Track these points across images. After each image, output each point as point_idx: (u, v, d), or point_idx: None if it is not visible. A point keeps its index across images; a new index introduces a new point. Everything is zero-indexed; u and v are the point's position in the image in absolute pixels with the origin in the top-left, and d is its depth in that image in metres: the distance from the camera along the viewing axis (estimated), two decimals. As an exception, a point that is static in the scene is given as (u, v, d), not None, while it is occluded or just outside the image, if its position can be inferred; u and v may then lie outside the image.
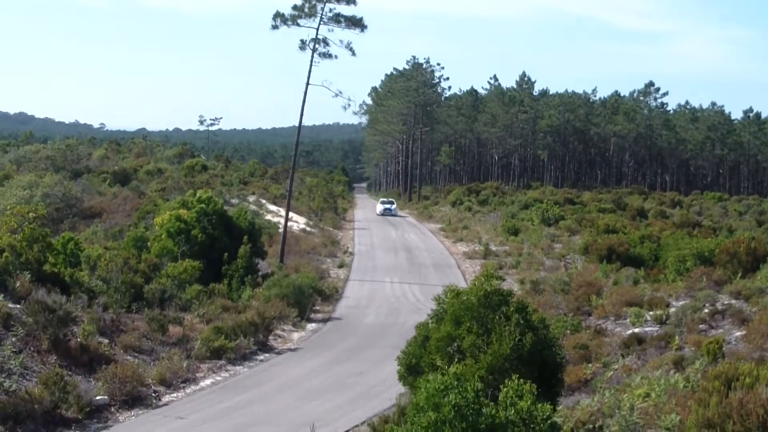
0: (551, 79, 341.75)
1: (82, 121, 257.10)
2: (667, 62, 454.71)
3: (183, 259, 32.01)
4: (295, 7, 45.55)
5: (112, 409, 19.78)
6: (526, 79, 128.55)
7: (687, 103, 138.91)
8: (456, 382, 10.96)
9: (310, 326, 31.21)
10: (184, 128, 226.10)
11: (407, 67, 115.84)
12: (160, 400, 21.02)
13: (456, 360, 14.24)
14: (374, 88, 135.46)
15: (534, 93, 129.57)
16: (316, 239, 54.13)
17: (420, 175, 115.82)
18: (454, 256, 51.24)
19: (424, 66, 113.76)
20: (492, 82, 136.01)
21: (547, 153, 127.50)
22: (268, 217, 58.35)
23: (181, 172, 73.11)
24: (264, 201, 67.29)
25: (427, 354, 15.22)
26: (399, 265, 47.43)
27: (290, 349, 27.58)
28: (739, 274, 27.35)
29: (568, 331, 24.19)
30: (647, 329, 23.38)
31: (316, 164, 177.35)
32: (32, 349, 20.75)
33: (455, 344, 14.73)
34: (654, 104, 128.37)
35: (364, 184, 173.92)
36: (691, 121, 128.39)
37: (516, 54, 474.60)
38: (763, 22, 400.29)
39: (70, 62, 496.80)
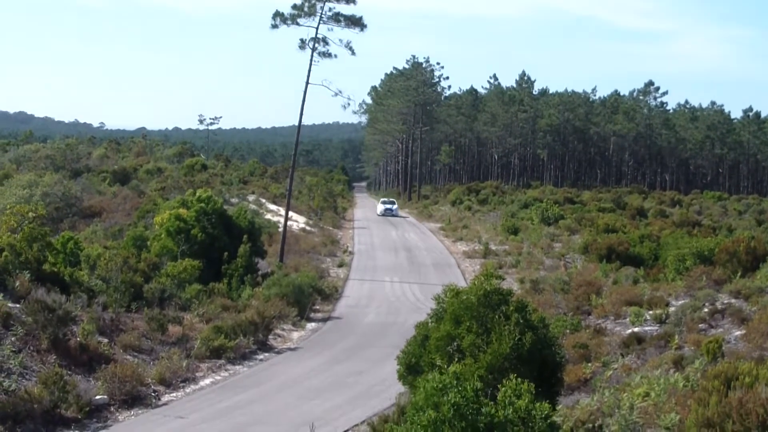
0: (551, 79, 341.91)
1: (81, 121, 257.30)
2: (667, 62, 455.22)
3: (183, 258, 32.01)
4: (294, 7, 45.53)
5: (112, 409, 19.77)
6: (525, 78, 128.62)
7: (687, 102, 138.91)
8: (455, 382, 10.95)
9: (310, 325, 31.21)
10: (183, 127, 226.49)
11: (407, 66, 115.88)
12: (159, 399, 21.02)
13: (456, 359, 14.23)
14: (374, 88, 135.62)
15: (534, 92, 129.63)
16: (316, 238, 54.13)
17: (420, 174, 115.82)
18: (454, 255, 51.24)
19: (424, 65, 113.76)
20: (492, 81, 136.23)
21: (546, 152, 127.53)
22: (268, 216, 58.34)
23: (180, 172, 73.07)
24: (264, 200, 67.28)
25: (426, 353, 15.22)
26: (399, 264, 47.42)
27: (290, 349, 27.58)
28: (739, 274, 27.34)
29: (568, 331, 24.19)
30: (647, 328, 23.38)
31: (315, 163, 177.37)
32: (32, 348, 20.74)
33: (455, 344, 14.73)
34: (654, 103, 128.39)
35: (363, 184, 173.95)
36: (691, 121, 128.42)
37: (516, 53, 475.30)
38: (763, 22, 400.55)
39: (70, 62, 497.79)
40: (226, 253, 33.82)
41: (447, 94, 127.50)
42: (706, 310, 23.53)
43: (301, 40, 46.42)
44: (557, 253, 46.80)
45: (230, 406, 20.41)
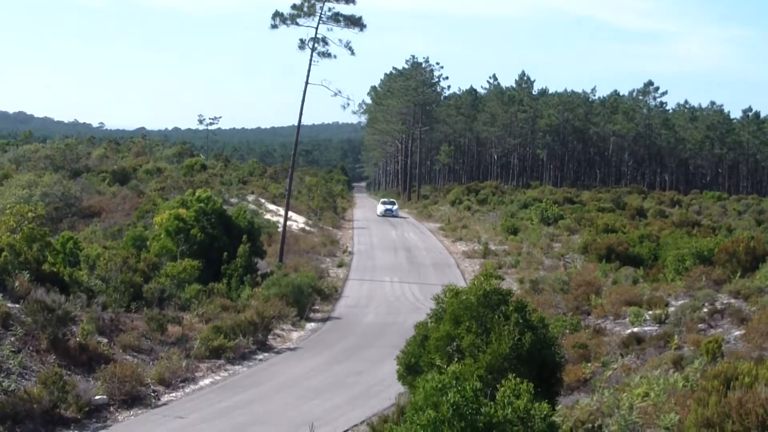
0: (550, 79, 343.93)
1: (81, 121, 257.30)
2: (667, 62, 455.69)
3: (182, 258, 32.00)
4: (294, 7, 45.50)
5: (111, 409, 19.77)
6: (525, 78, 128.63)
7: (686, 102, 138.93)
8: (454, 382, 10.95)
9: (310, 326, 31.20)
10: (183, 127, 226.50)
11: (406, 66, 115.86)
12: (159, 399, 21.01)
13: (455, 359, 14.24)
14: (373, 88, 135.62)
15: (533, 92, 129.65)
16: (316, 238, 54.12)
17: (419, 174, 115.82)
18: (454, 255, 51.24)
19: (424, 65, 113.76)
20: (491, 81, 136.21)
21: (546, 152, 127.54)
22: (268, 216, 58.33)
23: (180, 172, 73.06)
24: (263, 200, 67.29)
25: (426, 353, 15.22)
26: (398, 264, 47.41)
27: (289, 349, 27.58)
28: (738, 274, 27.34)
29: (567, 331, 24.19)
30: (646, 328, 23.38)
31: (315, 163, 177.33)
32: (31, 348, 20.74)
33: (454, 344, 14.73)
34: (653, 103, 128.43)
35: (363, 184, 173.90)
36: (690, 121, 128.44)
37: (515, 53, 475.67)
38: (763, 22, 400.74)
39: (70, 62, 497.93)
40: (225, 253, 33.81)
41: (446, 94, 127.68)
42: (705, 310, 23.53)
43: (301, 40, 46.45)
44: (557, 253, 46.80)
45: (230, 406, 20.41)
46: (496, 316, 14.62)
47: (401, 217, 77.22)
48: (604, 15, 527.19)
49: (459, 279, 40.58)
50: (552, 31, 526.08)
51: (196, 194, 37.16)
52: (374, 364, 24.85)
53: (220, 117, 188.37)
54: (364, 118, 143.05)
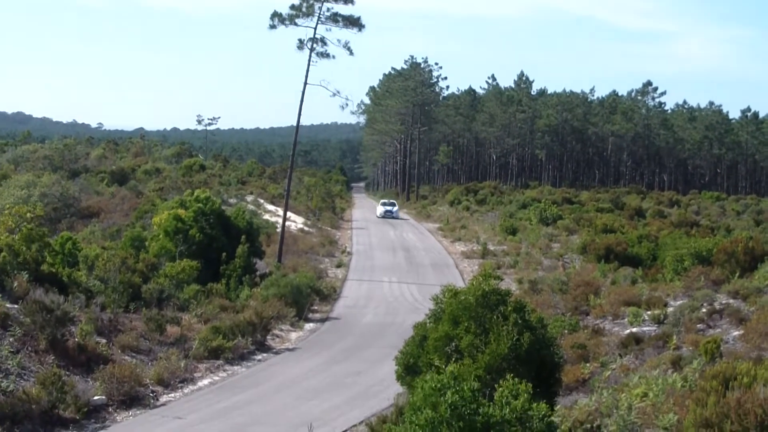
0: (549, 79, 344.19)
1: (80, 121, 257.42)
2: (667, 62, 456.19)
3: (181, 258, 31.99)
4: (292, 7, 45.49)
5: (110, 409, 19.76)
6: (524, 78, 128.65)
7: (685, 102, 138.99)
8: (453, 382, 10.95)
9: (308, 326, 31.19)
10: (182, 128, 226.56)
11: (405, 66, 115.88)
12: (157, 400, 21.00)
13: (454, 360, 14.24)
14: (372, 88, 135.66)
15: (532, 92, 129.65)
16: (314, 239, 54.11)
17: (418, 174, 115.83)
18: (452, 255, 51.25)
19: (422, 66, 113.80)
20: (490, 81, 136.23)
21: (545, 152, 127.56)
22: (266, 216, 58.34)
23: (179, 172, 73.06)
24: (262, 201, 67.29)
25: (425, 354, 15.21)
26: (397, 264, 47.41)
27: (288, 349, 27.57)
28: (737, 274, 27.35)
29: (566, 331, 24.20)
30: (645, 329, 23.39)
31: (314, 164, 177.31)
32: (30, 349, 20.72)
33: (453, 344, 14.73)
34: (652, 104, 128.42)
35: (362, 184, 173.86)
36: (689, 121, 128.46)
37: (515, 53, 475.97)
38: (763, 22, 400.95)
39: (69, 62, 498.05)
40: (224, 254, 33.80)
41: (445, 95, 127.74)
42: (704, 310, 23.54)
43: (300, 40, 46.45)
44: (555, 253, 46.82)
45: (228, 407, 20.40)
46: (495, 317, 14.62)
47: (402, 219, 76.85)
48: (604, 15, 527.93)
49: (458, 279, 40.59)
50: (552, 31, 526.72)
51: (195, 194, 37.15)
52: (373, 365, 24.85)
53: (219, 117, 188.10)
54: (362, 119, 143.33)
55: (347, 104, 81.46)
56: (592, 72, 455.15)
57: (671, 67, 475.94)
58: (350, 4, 45.37)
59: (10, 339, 20.63)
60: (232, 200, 61.12)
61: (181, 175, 70.78)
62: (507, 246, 51.86)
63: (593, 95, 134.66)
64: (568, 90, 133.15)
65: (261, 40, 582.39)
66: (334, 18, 45.61)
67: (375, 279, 42.51)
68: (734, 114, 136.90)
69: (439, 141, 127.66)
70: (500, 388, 11.34)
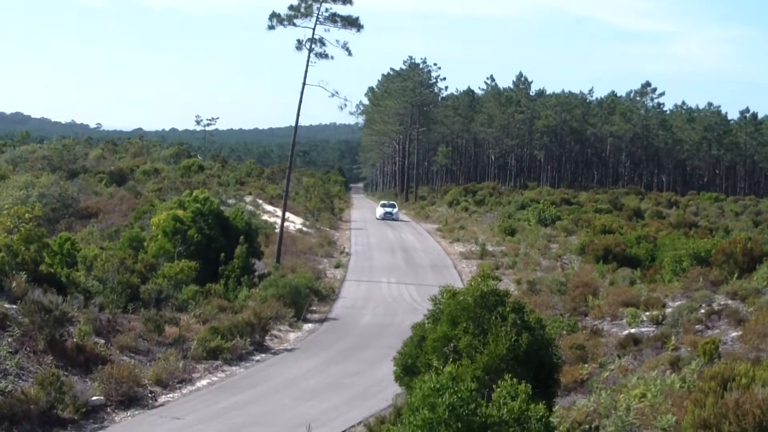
0: (549, 79, 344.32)
1: (78, 121, 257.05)
2: (666, 62, 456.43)
3: (179, 259, 31.97)
4: (291, 7, 45.46)
5: (108, 410, 19.76)
6: (522, 79, 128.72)
7: (683, 103, 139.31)
8: (451, 382, 10.95)
9: (307, 326, 31.19)
10: (180, 128, 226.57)
11: (404, 67, 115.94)
12: (156, 400, 21.00)
13: (452, 360, 14.23)
14: (371, 88, 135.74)
15: (531, 93, 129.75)
16: (313, 239, 54.11)
17: (417, 175, 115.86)
18: (451, 256, 51.26)
19: (421, 66, 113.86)
20: (489, 82, 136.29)
21: (543, 153, 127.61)
22: (265, 217, 58.33)
23: (177, 172, 73.04)
24: (260, 201, 67.27)
25: (423, 354, 15.22)
26: (396, 265, 47.42)
27: (287, 350, 27.57)
28: (736, 275, 27.36)
29: (565, 332, 24.21)
30: (643, 330, 23.39)
31: (312, 164, 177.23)
32: (28, 349, 20.72)
33: (451, 344, 14.73)
34: (650, 104, 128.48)
35: (360, 185, 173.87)
36: (688, 122, 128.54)
37: (514, 54, 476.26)
38: (763, 22, 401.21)
39: (68, 62, 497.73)
40: (222, 254, 33.79)
41: (444, 95, 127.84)
42: (702, 311, 23.55)
43: (298, 40, 46.39)
44: (554, 254, 46.82)
45: (227, 407, 20.40)
46: (494, 317, 14.62)
47: (401, 220, 76.40)
48: (603, 15, 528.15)
49: (456, 280, 40.59)
50: (551, 32, 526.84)
51: (194, 195, 37.14)
52: (371, 365, 24.85)
53: (218, 118, 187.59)
54: (361, 119, 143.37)
55: (346, 105, 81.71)
56: (591, 72, 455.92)
57: (670, 67, 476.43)
58: (349, 5, 45.41)
59: (9, 339, 20.62)
60: (231, 201, 61.11)
61: (179, 176, 70.77)
62: (505, 247, 51.88)
63: (592, 96, 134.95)
64: (566, 91, 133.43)
65: (260, 40, 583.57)
66: (333, 18, 45.62)
67: (374, 280, 42.51)
68: (733, 115, 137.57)
69: (437, 141, 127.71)
70: (498, 389, 11.35)
